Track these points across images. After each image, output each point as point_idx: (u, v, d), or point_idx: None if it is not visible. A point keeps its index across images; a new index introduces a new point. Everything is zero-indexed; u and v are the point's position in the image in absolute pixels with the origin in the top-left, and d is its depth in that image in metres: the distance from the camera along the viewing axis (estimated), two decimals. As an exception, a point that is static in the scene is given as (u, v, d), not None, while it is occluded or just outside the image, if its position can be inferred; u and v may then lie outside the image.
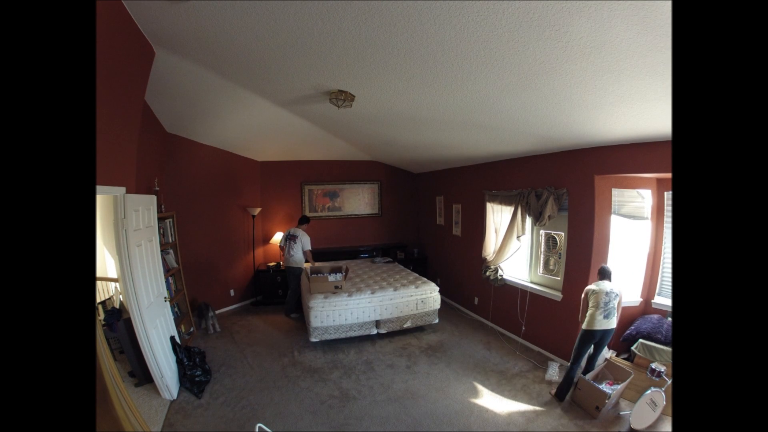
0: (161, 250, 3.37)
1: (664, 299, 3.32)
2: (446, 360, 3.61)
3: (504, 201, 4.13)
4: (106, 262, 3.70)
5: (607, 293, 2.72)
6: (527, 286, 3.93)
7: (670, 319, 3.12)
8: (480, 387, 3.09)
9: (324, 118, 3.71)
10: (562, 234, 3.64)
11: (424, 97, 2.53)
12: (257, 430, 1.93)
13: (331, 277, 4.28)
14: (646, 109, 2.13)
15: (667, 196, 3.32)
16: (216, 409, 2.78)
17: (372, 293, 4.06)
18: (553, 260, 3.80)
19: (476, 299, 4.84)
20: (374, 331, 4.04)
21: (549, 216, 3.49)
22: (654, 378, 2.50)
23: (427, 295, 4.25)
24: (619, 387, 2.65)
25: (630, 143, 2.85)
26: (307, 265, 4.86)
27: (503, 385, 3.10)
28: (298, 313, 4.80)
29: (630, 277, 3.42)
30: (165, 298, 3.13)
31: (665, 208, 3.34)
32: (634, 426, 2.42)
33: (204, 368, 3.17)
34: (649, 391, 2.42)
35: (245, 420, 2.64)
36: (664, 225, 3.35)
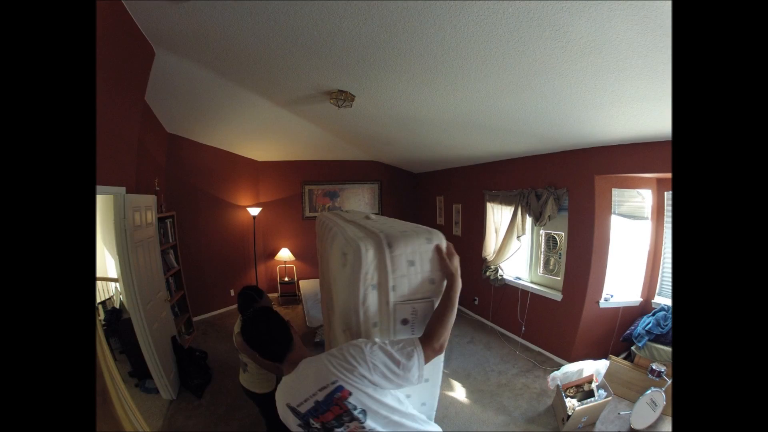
0: (161, 250, 3.37)
1: (664, 299, 3.32)
2: (446, 360, 3.60)
3: (504, 201, 4.13)
4: (106, 262, 3.70)
5: None
6: (527, 286, 3.93)
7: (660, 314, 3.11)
8: (480, 387, 3.09)
9: (324, 118, 3.71)
10: (562, 234, 3.64)
11: (424, 97, 2.53)
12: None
13: None
14: (646, 109, 2.13)
15: (667, 196, 3.32)
16: (216, 408, 2.78)
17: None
18: (553, 260, 3.80)
19: (476, 299, 4.84)
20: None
21: (549, 216, 3.49)
22: (654, 378, 2.49)
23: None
24: (586, 406, 2.45)
25: (630, 143, 2.85)
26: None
27: (503, 385, 3.10)
28: None
29: (630, 277, 3.42)
30: (165, 298, 3.13)
31: (665, 208, 3.34)
32: (634, 426, 2.42)
33: (204, 368, 3.17)
34: (649, 391, 2.42)
35: (245, 420, 2.64)
36: (664, 225, 3.35)
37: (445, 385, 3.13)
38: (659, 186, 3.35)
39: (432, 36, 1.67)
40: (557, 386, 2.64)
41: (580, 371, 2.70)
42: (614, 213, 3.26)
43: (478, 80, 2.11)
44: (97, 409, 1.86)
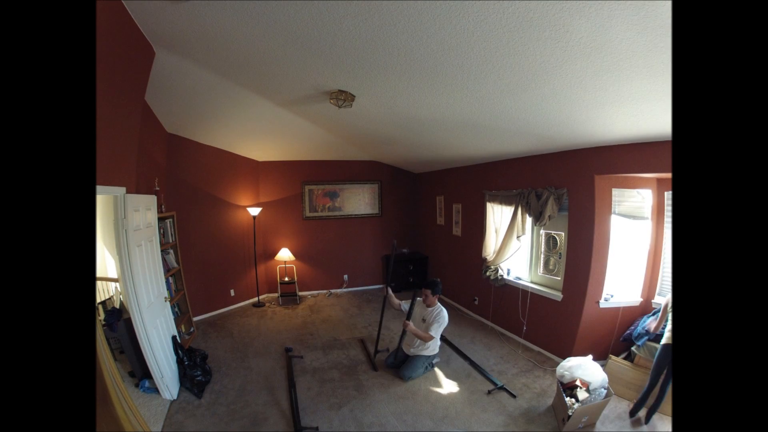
0: (161, 250, 3.37)
1: (664, 299, 3.31)
2: (446, 360, 3.60)
3: (504, 201, 4.13)
4: (106, 262, 3.70)
5: None
6: (528, 286, 3.93)
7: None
8: (480, 387, 3.08)
9: (324, 118, 3.71)
10: (562, 234, 3.64)
11: (424, 97, 2.53)
12: None
13: None
14: (646, 109, 2.13)
15: (667, 196, 3.32)
16: (216, 408, 2.78)
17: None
18: (554, 260, 3.80)
19: (476, 299, 4.84)
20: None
21: (549, 216, 3.49)
22: None
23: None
24: (586, 406, 2.41)
25: (630, 143, 2.84)
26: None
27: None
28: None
29: (630, 277, 3.42)
30: (165, 298, 3.13)
31: (665, 208, 3.34)
32: None
33: (204, 368, 3.17)
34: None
35: (245, 420, 2.65)
36: (664, 225, 3.35)
37: (446, 384, 3.13)
38: (659, 186, 3.35)
39: (432, 36, 1.67)
40: (558, 385, 2.64)
41: (580, 365, 2.66)
42: (614, 213, 3.26)
43: (478, 80, 2.11)
44: (97, 409, 1.86)
